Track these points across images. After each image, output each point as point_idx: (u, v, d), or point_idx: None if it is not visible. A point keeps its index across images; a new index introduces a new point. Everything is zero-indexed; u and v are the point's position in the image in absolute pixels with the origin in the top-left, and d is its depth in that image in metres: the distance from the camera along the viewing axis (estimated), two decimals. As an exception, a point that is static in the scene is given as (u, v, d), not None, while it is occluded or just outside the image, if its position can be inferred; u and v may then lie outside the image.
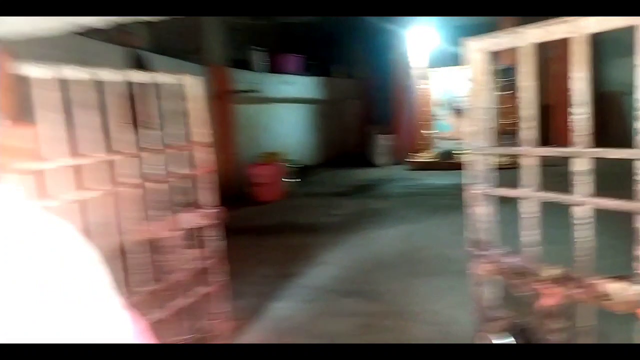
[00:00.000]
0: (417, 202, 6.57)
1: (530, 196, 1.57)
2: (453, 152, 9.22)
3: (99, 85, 1.91)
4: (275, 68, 9.66)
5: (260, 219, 6.15)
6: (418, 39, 9.97)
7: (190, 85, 2.33)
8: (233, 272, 2.85)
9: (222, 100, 7.29)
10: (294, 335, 2.87)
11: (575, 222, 1.46)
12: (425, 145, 10.38)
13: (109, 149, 2.01)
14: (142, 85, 2.16)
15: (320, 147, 11.36)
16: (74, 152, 1.85)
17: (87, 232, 1.59)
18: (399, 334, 2.85)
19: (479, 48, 1.69)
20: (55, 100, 1.73)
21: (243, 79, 8.25)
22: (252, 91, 8.37)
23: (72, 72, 1.82)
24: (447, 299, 3.20)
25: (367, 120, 12.03)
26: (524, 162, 1.58)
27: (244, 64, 8.58)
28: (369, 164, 10.44)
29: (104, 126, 1.98)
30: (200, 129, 2.44)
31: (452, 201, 5.24)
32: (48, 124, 1.68)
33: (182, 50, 6.54)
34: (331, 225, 5.57)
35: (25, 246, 0.54)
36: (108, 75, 1.99)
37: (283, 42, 10.49)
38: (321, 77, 11.37)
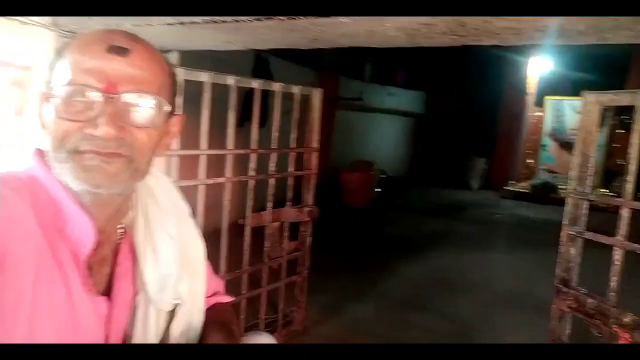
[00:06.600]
0: (507, 233, 6.24)
1: (619, 246, 1.65)
2: (551, 185, 8.70)
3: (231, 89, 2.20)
4: (379, 79, 9.36)
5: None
6: (536, 66, 9.39)
7: (314, 96, 2.70)
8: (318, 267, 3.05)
9: (326, 106, 7.12)
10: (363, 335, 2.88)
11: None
12: (526, 175, 9.65)
13: (235, 144, 2.28)
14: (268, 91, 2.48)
15: (412, 161, 10.99)
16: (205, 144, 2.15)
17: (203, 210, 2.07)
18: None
19: (596, 101, 1.74)
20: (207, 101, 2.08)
21: (349, 86, 8.24)
22: (356, 99, 8.31)
23: (217, 78, 2.12)
24: (521, 333, 3.02)
25: (466, 141, 11.09)
26: (621, 212, 1.65)
27: (352, 72, 8.50)
28: (462, 185, 9.87)
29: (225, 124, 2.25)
30: (313, 134, 2.76)
31: (542, 237, 5.05)
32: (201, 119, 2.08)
33: (298, 54, 6.27)
34: (414, 241, 5.42)
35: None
36: (247, 82, 2.32)
37: (388, 53, 9.89)
38: (422, 92, 10.96)
